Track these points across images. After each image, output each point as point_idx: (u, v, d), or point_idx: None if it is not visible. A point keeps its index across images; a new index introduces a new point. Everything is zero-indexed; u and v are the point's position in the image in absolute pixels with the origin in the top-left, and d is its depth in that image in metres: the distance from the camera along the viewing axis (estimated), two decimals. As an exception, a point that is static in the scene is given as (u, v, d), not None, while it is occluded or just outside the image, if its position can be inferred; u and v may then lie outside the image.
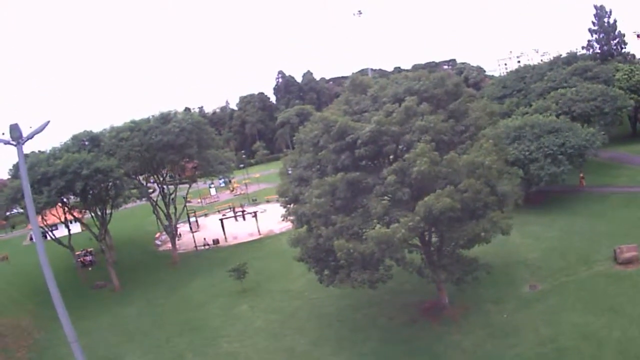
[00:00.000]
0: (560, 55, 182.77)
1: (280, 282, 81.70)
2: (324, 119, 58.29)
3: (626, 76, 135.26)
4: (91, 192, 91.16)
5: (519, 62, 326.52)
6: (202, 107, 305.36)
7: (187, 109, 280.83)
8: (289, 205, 62.03)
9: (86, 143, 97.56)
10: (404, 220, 49.02)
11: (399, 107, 57.11)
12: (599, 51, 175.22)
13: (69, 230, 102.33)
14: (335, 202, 54.74)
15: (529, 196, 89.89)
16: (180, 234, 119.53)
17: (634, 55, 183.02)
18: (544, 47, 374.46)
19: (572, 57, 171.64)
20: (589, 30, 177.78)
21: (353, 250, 50.33)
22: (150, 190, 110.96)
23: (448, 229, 54.39)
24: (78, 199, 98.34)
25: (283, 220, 64.31)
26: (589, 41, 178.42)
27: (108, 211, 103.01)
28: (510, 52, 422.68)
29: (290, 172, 65.36)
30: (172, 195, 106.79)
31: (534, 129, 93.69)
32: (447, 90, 60.81)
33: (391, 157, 56.01)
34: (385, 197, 53.14)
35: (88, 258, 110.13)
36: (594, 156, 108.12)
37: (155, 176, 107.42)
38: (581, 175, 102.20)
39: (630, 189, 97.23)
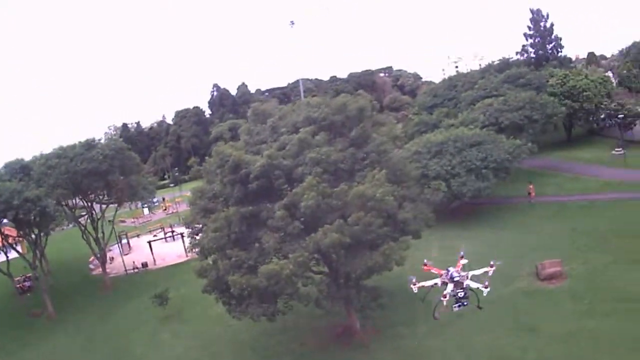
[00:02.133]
0: (493, 61, 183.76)
1: (202, 307, 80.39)
2: (219, 152, 58.21)
3: (560, 81, 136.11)
4: (23, 219, 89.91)
5: (456, 67, 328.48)
6: (139, 122, 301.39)
7: (124, 125, 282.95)
8: (195, 236, 61.73)
9: (17, 171, 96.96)
10: (293, 255, 49.30)
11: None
12: (534, 56, 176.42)
13: (7, 256, 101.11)
14: (231, 236, 54.55)
15: (453, 210, 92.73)
16: (112, 257, 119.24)
17: (570, 59, 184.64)
18: (483, 52, 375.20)
19: (504, 64, 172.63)
20: (525, 34, 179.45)
21: (246, 285, 50.44)
22: (83, 213, 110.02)
23: (341, 262, 53.81)
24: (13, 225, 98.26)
25: (189, 251, 65.36)
26: (523, 46, 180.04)
27: (43, 236, 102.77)
28: (448, 57, 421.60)
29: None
30: (100, 219, 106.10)
31: (456, 143, 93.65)
32: (348, 116, 60.60)
33: (283, 190, 55.08)
34: (279, 231, 53.02)
35: (27, 284, 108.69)
36: (519, 167, 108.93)
37: (83, 200, 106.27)
38: (530, 186, 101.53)
39: (559, 198, 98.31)
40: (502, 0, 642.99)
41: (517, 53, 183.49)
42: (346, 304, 59.66)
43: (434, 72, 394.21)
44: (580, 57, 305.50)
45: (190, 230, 62.72)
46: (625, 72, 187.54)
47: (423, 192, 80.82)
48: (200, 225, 60.64)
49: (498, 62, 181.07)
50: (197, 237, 60.76)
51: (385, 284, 62.88)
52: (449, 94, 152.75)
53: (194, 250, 60.86)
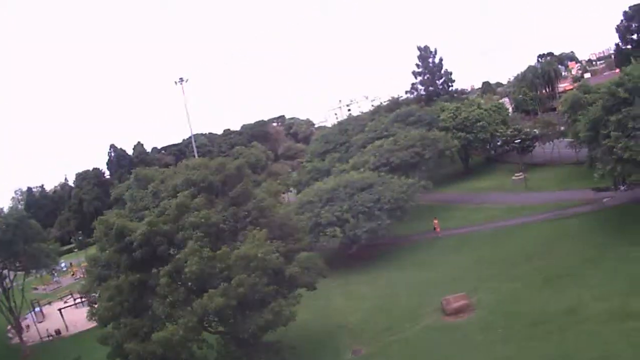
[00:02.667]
0: (382, 102, 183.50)
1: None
2: (102, 221, 58.20)
3: (452, 115, 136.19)
4: None
5: (349, 110, 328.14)
6: (42, 185, 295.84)
7: (29, 189, 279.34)
8: (93, 305, 60.82)
9: None
10: (182, 321, 48.76)
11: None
12: (424, 93, 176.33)
13: None
14: (124, 304, 53.76)
15: (355, 254, 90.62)
16: (27, 326, 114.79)
17: (463, 91, 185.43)
18: (375, 93, 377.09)
19: (394, 104, 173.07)
20: (413, 72, 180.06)
21: (143, 353, 49.51)
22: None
23: (234, 322, 53.08)
24: None
25: (89, 320, 62.52)
26: (412, 84, 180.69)
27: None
28: (340, 101, 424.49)
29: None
30: (10, 288, 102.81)
31: (346, 188, 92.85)
32: (227, 175, 61.00)
33: (167, 256, 54.50)
34: (167, 297, 51.85)
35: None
36: (421, 203, 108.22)
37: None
38: (435, 221, 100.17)
39: (464, 229, 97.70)
40: (394, 39, 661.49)
41: (406, 92, 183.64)
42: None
43: (328, 116, 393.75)
44: (476, 87, 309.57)
45: (87, 298, 62.93)
46: (520, 96, 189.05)
47: (318, 241, 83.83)
48: (97, 294, 60.28)
49: (387, 102, 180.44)
50: (95, 306, 59.50)
51: (291, 334, 61.72)
52: (341, 139, 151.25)
53: (93, 318, 59.11)
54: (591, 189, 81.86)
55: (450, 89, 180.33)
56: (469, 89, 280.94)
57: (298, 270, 56.24)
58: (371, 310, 72.31)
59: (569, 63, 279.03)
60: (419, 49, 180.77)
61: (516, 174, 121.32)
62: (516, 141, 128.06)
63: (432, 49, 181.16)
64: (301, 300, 59.05)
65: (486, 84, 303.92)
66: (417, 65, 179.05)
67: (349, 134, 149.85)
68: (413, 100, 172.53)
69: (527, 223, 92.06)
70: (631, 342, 49.30)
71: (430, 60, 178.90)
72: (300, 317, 57.35)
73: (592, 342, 51.54)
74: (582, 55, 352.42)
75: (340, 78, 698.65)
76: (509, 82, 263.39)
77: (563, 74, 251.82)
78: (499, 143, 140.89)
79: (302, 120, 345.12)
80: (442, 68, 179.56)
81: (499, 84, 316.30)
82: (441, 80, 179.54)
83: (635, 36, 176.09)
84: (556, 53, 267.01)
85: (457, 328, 61.59)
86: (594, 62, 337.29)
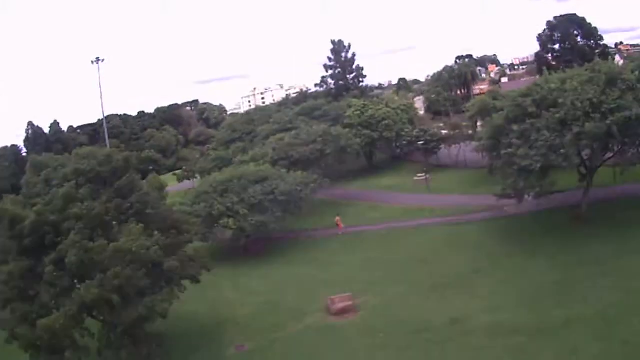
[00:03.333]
0: (289, 95, 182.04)
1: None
2: None
3: (358, 112, 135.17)
4: None
5: (263, 99, 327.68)
6: None
7: None
8: None
9: None
10: (64, 309, 49.14)
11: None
12: (333, 87, 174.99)
13: None
14: (14, 290, 53.18)
15: (249, 246, 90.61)
16: None
17: (372, 88, 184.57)
18: (291, 82, 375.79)
19: (302, 96, 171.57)
20: (325, 66, 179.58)
21: (31, 338, 49.75)
22: None
23: (112, 313, 52.49)
24: None
25: None
26: (323, 77, 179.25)
27: None
28: (255, 88, 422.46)
29: None
30: None
31: (241, 180, 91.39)
32: (114, 167, 60.50)
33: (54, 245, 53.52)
34: (54, 286, 52.05)
35: None
36: (323, 198, 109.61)
37: None
38: (337, 217, 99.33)
39: (360, 228, 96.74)
40: (316, 30, 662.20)
41: (315, 85, 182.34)
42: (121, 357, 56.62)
43: (242, 104, 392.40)
44: (394, 82, 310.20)
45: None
46: (433, 96, 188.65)
47: (212, 232, 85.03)
48: None
49: (295, 94, 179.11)
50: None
51: (180, 325, 63.80)
52: (248, 129, 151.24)
53: None
54: (494, 195, 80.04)
55: (361, 84, 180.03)
56: (386, 85, 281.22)
57: (177, 264, 55.78)
58: (260, 305, 71.05)
59: (490, 66, 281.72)
60: (333, 42, 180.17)
61: (419, 175, 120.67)
62: (419, 142, 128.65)
63: (346, 44, 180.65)
64: (193, 292, 61.34)
65: (402, 81, 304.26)
66: (329, 59, 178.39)
67: (256, 124, 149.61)
68: (322, 94, 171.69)
69: (423, 226, 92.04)
70: (517, 353, 49.44)
71: (343, 54, 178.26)
72: (191, 308, 60.83)
73: (475, 356, 51.03)
74: (506, 59, 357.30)
75: (258, 65, 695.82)
76: (426, 80, 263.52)
77: (483, 75, 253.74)
78: (404, 143, 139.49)
79: (215, 106, 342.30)
80: (354, 63, 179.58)
81: (416, 81, 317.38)
82: (352, 75, 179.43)
83: (556, 46, 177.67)
84: (480, 55, 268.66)
85: (340, 329, 60.85)
86: (516, 67, 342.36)
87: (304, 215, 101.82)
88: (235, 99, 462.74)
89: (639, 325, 49.50)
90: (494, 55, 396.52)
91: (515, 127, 72.23)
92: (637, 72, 72.72)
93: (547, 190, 74.64)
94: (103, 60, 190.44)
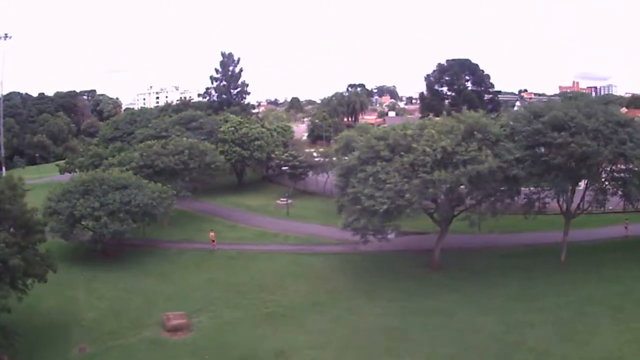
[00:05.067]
0: (170, 102, 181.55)
1: None
2: None
3: (233, 128, 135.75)
4: None
5: (157, 98, 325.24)
6: None
7: None
8: None
9: None
10: None
11: None
12: (216, 99, 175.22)
13: None
14: None
15: (109, 250, 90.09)
16: None
17: (253, 106, 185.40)
18: (186, 86, 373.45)
19: (183, 104, 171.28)
20: (211, 77, 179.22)
21: None
22: None
23: None
24: None
25: None
26: (207, 89, 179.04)
27: None
28: (151, 87, 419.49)
29: None
30: None
31: (102, 185, 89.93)
32: None
33: None
34: None
35: None
36: (188, 210, 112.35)
37: None
38: (212, 233, 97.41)
39: (208, 245, 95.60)
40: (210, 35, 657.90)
41: (199, 95, 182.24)
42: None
43: (137, 100, 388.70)
44: (289, 100, 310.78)
45: None
46: (317, 121, 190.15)
47: (73, 232, 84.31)
48: None
49: (177, 102, 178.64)
50: None
51: (33, 322, 63.76)
52: (129, 129, 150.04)
53: None
54: (351, 229, 78.64)
55: (243, 100, 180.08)
56: (282, 101, 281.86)
57: (20, 262, 54.97)
58: (105, 310, 70.63)
59: (384, 97, 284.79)
60: (223, 54, 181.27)
61: (281, 199, 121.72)
62: (283, 168, 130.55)
63: (236, 58, 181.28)
64: (50, 289, 64.41)
65: (295, 100, 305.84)
66: (217, 71, 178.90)
67: (137, 126, 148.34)
68: (204, 105, 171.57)
69: (274, 251, 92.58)
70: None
71: (231, 68, 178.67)
72: (45, 305, 62.72)
73: None
74: (407, 91, 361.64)
75: (159, 65, 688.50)
76: (321, 101, 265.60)
77: (377, 105, 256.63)
78: (273, 165, 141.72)
79: (111, 99, 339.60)
80: (239, 78, 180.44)
81: (310, 102, 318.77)
82: (236, 90, 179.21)
83: (444, 88, 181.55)
84: (380, 84, 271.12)
85: (171, 346, 61.33)
86: (414, 100, 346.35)
87: (167, 226, 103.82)
88: (131, 94, 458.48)
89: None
90: (393, 86, 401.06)
91: (368, 169, 73.22)
92: (503, 128, 75.21)
93: (382, 231, 76.27)
94: (11, 37, 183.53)
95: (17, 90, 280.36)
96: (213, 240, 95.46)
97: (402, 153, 72.72)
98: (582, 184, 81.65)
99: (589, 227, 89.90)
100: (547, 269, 77.67)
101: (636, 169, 74.11)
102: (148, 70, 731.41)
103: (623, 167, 76.62)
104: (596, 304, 65.48)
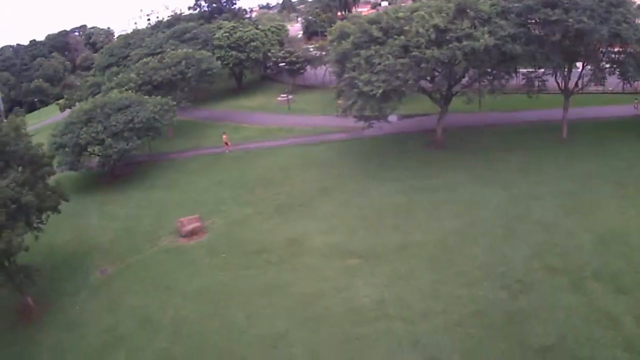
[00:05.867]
0: (162, 18, 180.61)
1: None
2: None
3: (227, 34, 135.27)
4: None
5: (148, 20, 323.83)
6: None
7: None
8: None
9: None
10: None
11: None
12: (207, 9, 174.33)
13: None
14: None
15: (111, 173, 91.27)
16: None
17: (245, 10, 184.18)
18: (175, 3, 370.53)
19: (175, 19, 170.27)
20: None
21: None
22: None
23: None
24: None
25: None
26: (196, 0, 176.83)
27: None
28: (141, 10, 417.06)
29: None
30: None
31: (104, 109, 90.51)
32: None
33: None
34: None
35: None
36: (190, 120, 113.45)
37: None
38: (224, 136, 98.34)
39: (215, 150, 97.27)
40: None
41: (189, 8, 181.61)
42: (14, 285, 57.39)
43: (129, 26, 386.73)
44: (281, 1, 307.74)
45: None
46: (311, 17, 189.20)
47: (79, 161, 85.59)
48: None
49: (169, 17, 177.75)
50: None
51: (54, 256, 66.08)
52: (124, 52, 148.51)
53: None
54: (353, 116, 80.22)
55: (234, 7, 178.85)
56: (274, 4, 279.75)
57: (32, 198, 55.77)
58: (119, 230, 72.05)
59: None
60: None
61: (281, 95, 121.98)
62: (281, 64, 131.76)
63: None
64: (63, 221, 66.10)
65: (287, 1, 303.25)
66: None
67: (132, 48, 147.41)
68: (195, 17, 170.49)
69: (279, 147, 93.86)
70: (350, 276, 52.48)
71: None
72: (60, 238, 64.22)
73: (309, 276, 53.79)
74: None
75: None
76: (311, 1, 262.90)
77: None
78: (270, 64, 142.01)
79: (102, 29, 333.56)
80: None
81: (303, 1, 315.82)
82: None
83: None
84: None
85: (188, 251, 63.03)
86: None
87: (172, 137, 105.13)
88: (122, 21, 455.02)
89: (477, 257, 52.61)
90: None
91: (362, 53, 73.63)
92: (494, 6, 74.49)
93: (384, 114, 77.72)
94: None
95: (9, 44, 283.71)
96: (226, 143, 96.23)
97: (396, 36, 73.00)
98: (579, 65, 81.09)
99: (590, 106, 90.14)
100: (550, 145, 78.18)
101: (631, 50, 73.63)
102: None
103: (619, 49, 76.07)
104: (599, 177, 65.95)
